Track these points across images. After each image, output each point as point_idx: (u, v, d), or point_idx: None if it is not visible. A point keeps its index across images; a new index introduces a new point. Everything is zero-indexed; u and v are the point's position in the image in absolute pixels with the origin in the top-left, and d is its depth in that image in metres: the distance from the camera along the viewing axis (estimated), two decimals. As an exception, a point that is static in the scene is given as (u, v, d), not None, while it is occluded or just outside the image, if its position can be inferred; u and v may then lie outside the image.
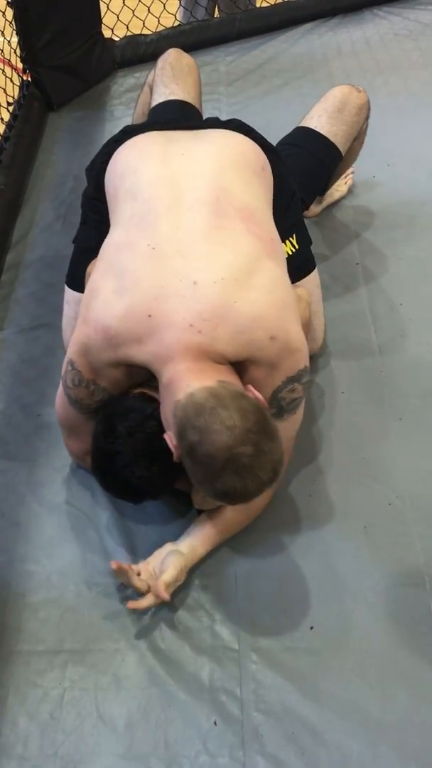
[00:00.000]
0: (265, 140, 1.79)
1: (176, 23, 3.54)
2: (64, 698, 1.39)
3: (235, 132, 1.73)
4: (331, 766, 1.30)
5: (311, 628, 1.48)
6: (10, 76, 2.89)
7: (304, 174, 1.97)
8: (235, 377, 1.39)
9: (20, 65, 3.03)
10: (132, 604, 1.45)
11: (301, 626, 1.48)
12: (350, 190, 2.52)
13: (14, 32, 2.90)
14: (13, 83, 2.93)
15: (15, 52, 2.97)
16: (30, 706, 1.39)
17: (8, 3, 2.84)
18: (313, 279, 1.88)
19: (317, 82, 3.10)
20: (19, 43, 2.95)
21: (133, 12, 3.40)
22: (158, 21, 3.46)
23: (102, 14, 3.19)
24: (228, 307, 1.38)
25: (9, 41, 2.86)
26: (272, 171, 1.73)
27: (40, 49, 2.93)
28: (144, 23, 3.42)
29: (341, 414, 1.86)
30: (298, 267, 1.81)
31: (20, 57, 2.99)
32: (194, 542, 1.53)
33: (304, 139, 2.03)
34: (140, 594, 1.45)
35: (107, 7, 3.28)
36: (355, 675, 1.41)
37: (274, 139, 1.89)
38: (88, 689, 1.41)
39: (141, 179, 1.59)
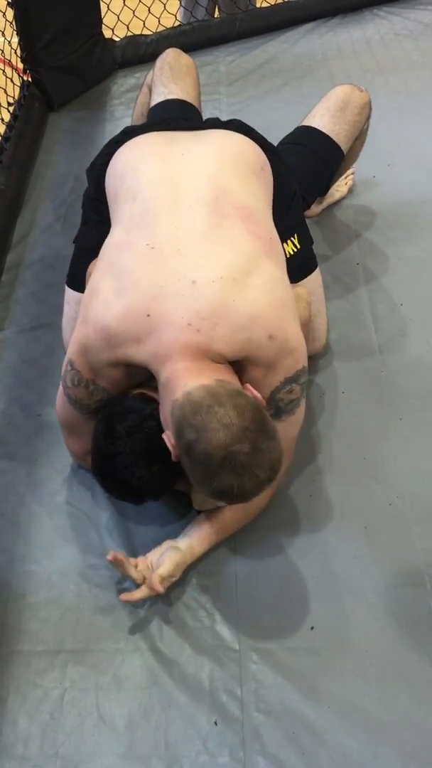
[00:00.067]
0: (265, 140, 1.79)
1: (176, 23, 3.54)
2: (64, 698, 1.40)
3: (234, 132, 1.73)
4: (331, 766, 1.30)
5: (312, 628, 1.48)
6: (10, 77, 2.90)
7: (306, 173, 1.97)
8: (234, 376, 1.39)
9: (21, 65, 3.03)
10: (125, 596, 1.46)
11: (301, 626, 1.48)
12: (350, 190, 2.52)
13: (15, 32, 2.90)
14: (14, 83, 2.93)
15: (15, 53, 2.97)
16: (30, 707, 1.39)
17: (8, 3, 2.84)
18: (315, 278, 1.88)
19: (318, 82, 3.10)
20: (19, 43, 2.95)
21: (134, 12, 3.40)
22: (158, 21, 3.46)
23: (102, 14, 3.19)
24: (226, 306, 1.38)
25: (9, 41, 2.86)
26: (272, 171, 1.73)
27: (40, 49, 2.93)
28: (144, 23, 3.42)
29: (341, 414, 1.86)
30: (300, 266, 1.81)
31: (21, 57, 2.99)
32: (192, 540, 1.53)
33: (307, 138, 2.03)
34: (136, 585, 1.45)
35: (107, 7, 3.28)
36: (356, 675, 1.41)
37: (274, 139, 1.89)
38: (89, 689, 1.41)
39: (141, 179, 1.59)
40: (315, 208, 2.38)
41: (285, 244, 1.74)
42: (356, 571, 1.56)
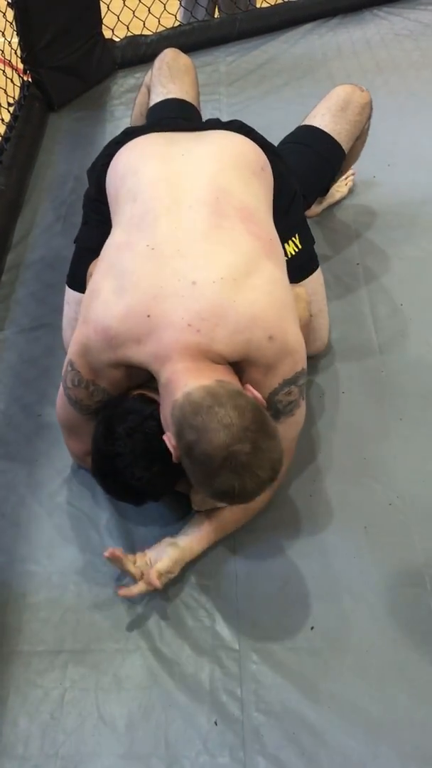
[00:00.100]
0: (266, 140, 1.79)
1: (176, 24, 3.54)
2: (64, 698, 1.40)
3: (235, 133, 1.73)
4: (331, 766, 1.30)
5: (312, 628, 1.48)
6: (10, 77, 2.90)
7: (308, 172, 1.97)
8: (234, 377, 1.40)
9: (21, 66, 3.03)
10: (123, 591, 1.46)
11: (301, 626, 1.48)
12: (351, 191, 2.52)
13: (15, 33, 2.90)
14: (14, 84, 2.93)
15: (15, 53, 2.97)
16: (31, 707, 1.39)
17: (9, 4, 2.84)
18: (317, 278, 1.88)
19: (318, 82, 3.10)
20: (19, 43, 2.95)
21: (134, 12, 3.41)
22: (158, 21, 3.46)
23: (102, 15, 3.19)
24: (227, 306, 1.38)
25: (10, 42, 2.86)
26: (273, 171, 1.73)
27: (40, 49, 2.93)
28: (144, 24, 3.42)
29: (342, 414, 1.86)
30: (302, 266, 1.81)
31: (21, 58, 2.99)
32: (191, 538, 1.53)
33: (308, 137, 2.03)
34: (134, 581, 1.46)
35: (107, 7, 3.28)
36: (356, 675, 1.41)
37: (274, 140, 1.89)
38: (89, 689, 1.41)
39: (141, 180, 1.59)
40: (315, 208, 2.38)
41: (286, 244, 1.74)
42: (356, 571, 1.56)
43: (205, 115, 2.21)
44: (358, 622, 1.48)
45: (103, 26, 3.20)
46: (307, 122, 2.07)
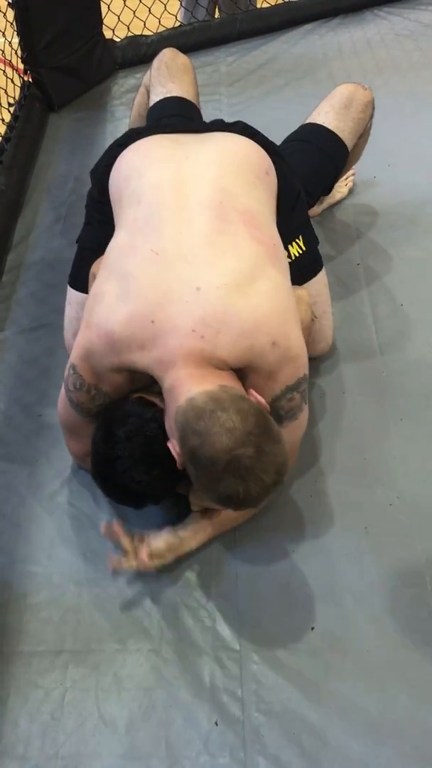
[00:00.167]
0: (270, 142, 1.79)
1: (177, 24, 3.54)
2: (65, 699, 1.40)
3: (239, 135, 1.73)
4: (332, 766, 1.30)
5: (312, 628, 1.48)
6: (11, 77, 2.90)
7: (312, 170, 1.98)
8: (237, 382, 1.39)
9: (21, 66, 3.03)
10: (114, 562, 1.47)
11: (302, 627, 1.48)
12: (351, 191, 2.52)
13: (15, 33, 2.91)
14: (14, 84, 2.93)
15: (16, 53, 2.97)
16: (31, 707, 1.39)
17: (9, 4, 2.84)
18: (321, 279, 1.88)
19: (318, 83, 3.10)
20: (20, 44, 2.95)
21: (134, 13, 3.41)
22: (159, 22, 3.46)
23: (103, 15, 3.19)
24: (230, 312, 1.38)
25: (10, 42, 2.86)
26: (277, 173, 1.72)
27: (41, 50, 2.94)
28: (145, 24, 3.42)
29: (342, 415, 1.86)
30: (305, 268, 1.81)
31: (21, 58, 2.99)
32: (188, 531, 1.54)
33: (312, 135, 2.03)
34: (126, 555, 1.48)
35: (108, 7, 3.28)
36: (356, 675, 1.41)
37: (275, 140, 1.89)
38: (89, 690, 1.41)
39: (145, 183, 1.59)
40: (316, 209, 2.38)
41: (290, 246, 1.74)
42: (357, 571, 1.56)
43: (206, 116, 2.21)
44: (358, 622, 1.48)
45: (103, 26, 3.20)
46: (310, 120, 2.07)
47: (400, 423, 1.83)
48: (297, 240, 1.78)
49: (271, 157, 1.73)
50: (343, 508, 1.67)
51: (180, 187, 1.54)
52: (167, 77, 2.17)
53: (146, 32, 3.40)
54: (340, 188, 2.47)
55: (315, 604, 1.51)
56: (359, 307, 2.14)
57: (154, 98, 2.16)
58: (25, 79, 3.05)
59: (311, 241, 1.84)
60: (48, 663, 1.44)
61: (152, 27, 3.44)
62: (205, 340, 1.37)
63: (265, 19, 3.54)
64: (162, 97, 2.14)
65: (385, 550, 1.59)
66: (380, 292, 2.18)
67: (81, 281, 1.80)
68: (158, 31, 3.42)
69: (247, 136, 1.73)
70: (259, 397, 1.37)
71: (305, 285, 1.81)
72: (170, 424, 1.36)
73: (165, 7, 3.50)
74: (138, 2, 3.44)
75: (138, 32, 3.38)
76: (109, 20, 3.28)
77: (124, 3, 3.37)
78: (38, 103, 3.02)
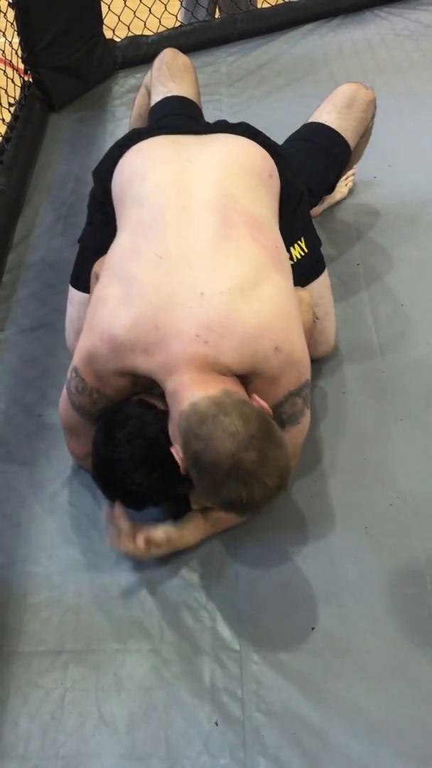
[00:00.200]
0: (274, 144, 1.78)
1: (177, 24, 3.54)
2: (65, 699, 1.40)
3: (242, 137, 1.72)
4: (332, 767, 1.30)
5: (312, 628, 1.48)
6: (11, 77, 2.90)
7: (316, 169, 1.98)
8: (240, 387, 1.39)
9: (21, 66, 3.03)
10: (112, 538, 1.48)
11: (302, 627, 1.48)
12: (351, 191, 2.52)
13: (15, 33, 2.91)
14: (15, 84, 2.93)
15: (16, 53, 2.97)
16: (31, 707, 1.39)
17: (9, 4, 2.84)
18: (323, 281, 1.87)
19: (318, 83, 3.10)
20: (20, 44, 2.95)
21: (134, 13, 3.41)
22: (159, 22, 3.46)
23: (103, 15, 3.19)
24: (234, 317, 1.38)
25: (10, 42, 2.86)
26: (280, 175, 1.72)
27: (41, 50, 2.94)
28: (145, 24, 3.42)
29: (342, 415, 1.86)
30: (308, 270, 1.80)
31: (21, 58, 2.99)
32: (187, 529, 1.53)
33: (316, 134, 2.03)
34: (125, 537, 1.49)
35: (108, 7, 3.28)
36: (356, 675, 1.41)
37: (276, 140, 1.88)
38: (90, 690, 1.41)
39: (148, 185, 1.59)
40: (316, 209, 2.37)
41: (291, 248, 1.73)
42: (357, 571, 1.56)
43: (206, 116, 2.21)
44: (358, 622, 1.48)
45: (103, 26, 3.20)
46: (313, 119, 2.07)
47: (400, 423, 1.83)
48: (299, 242, 1.78)
49: (274, 159, 1.73)
50: (343, 508, 1.67)
51: (183, 189, 1.54)
52: (168, 77, 2.17)
53: (146, 32, 3.40)
54: (340, 188, 2.47)
55: (315, 604, 1.51)
56: (359, 307, 2.14)
57: (155, 98, 2.16)
58: (26, 79, 3.05)
59: (313, 243, 1.83)
60: (48, 663, 1.44)
61: (153, 27, 3.44)
62: (209, 345, 1.36)
63: (266, 19, 3.54)
64: (163, 97, 2.14)
65: (385, 550, 1.59)
66: (380, 292, 2.18)
67: (83, 281, 1.80)
68: (158, 31, 3.42)
69: (250, 138, 1.73)
70: (262, 402, 1.37)
71: (307, 287, 1.80)
72: (173, 429, 1.36)
73: (165, 7, 3.50)
74: (138, 2, 3.44)
75: (138, 32, 3.38)
76: (109, 20, 3.28)
77: (125, 3, 3.37)
78: (39, 103, 3.02)
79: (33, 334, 2.11)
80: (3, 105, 2.80)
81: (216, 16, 3.60)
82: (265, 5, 3.64)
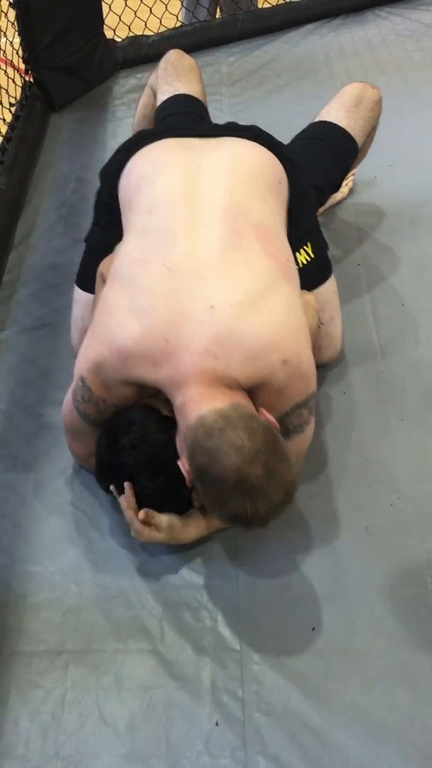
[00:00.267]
0: (284, 148, 1.78)
1: (178, 24, 3.54)
2: (65, 699, 1.40)
3: (251, 141, 1.71)
4: (332, 767, 1.30)
5: (313, 628, 1.48)
6: (12, 77, 2.90)
7: (325, 168, 1.99)
8: (248, 401, 1.39)
9: (22, 66, 3.03)
10: (122, 501, 1.46)
11: (302, 627, 1.48)
12: (351, 191, 2.52)
13: (16, 33, 2.91)
14: (16, 84, 2.94)
15: (17, 53, 2.97)
16: (31, 707, 1.39)
17: (10, 4, 2.85)
18: (330, 286, 1.86)
19: (319, 83, 3.11)
20: (21, 44, 2.95)
21: (135, 13, 3.41)
22: (160, 22, 3.47)
23: (104, 15, 3.19)
24: (243, 331, 1.37)
25: (11, 42, 2.87)
26: (289, 180, 1.71)
27: (42, 50, 2.94)
28: (146, 24, 3.42)
29: (343, 415, 1.86)
30: (314, 275, 1.79)
31: (22, 58, 3.00)
32: (189, 525, 1.53)
33: (326, 133, 2.03)
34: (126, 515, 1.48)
35: (109, 7, 3.28)
36: (357, 675, 1.41)
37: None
38: (90, 690, 1.41)
39: (156, 191, 1.58)
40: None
41: (297, 253, 1.71)
42: (357, 571, 1.56)
43: (207, 116, 2.21)
44: (359, 622, 1.48)
45: (104, 26, 3.20)
46: (321, 118, 2.07)
47: (400, 423, 1.83)
48: (305, 247, 1.75)
49: (283, 165, 1.72)
50: (344, 508, 1.67)
51: (192, 197, 1.53)
52: (174, 76, 2.18)
53: (147, 32, 3.40)
54: (341, 188, 2.46)
55: (315, 605, 1.51)
56: (360, 307, 2.14)
57: (162, 97, 2.16)
58: (27, 79, 3.05)
59: (320, 247, 1.81)
60: (48, 663, 1.44)
61: (153, 27, 3.44)
62: (218, 359, 1.36)
63: (267, 19, 3.55)
64: (169, 95, 2.14)
65: (386, 550, 1.59)
66: (381, 292, 2.18)
67: (88, 281, 1.79)
68: (159, 31, 3.43)
69: (260, 143, 1.71)
70: (270, 417, 1.37)
71: (314, 291, 1.78)
72: (180, 442, 1.36)
73: (166, 7, 3.50)
74: (139, 2, 3.44)
75: (139, 32, 3.38)
76: (110, 20, 3.28)
77: (125, 3, 3.37)
78: (39, 103, 3.02)
79: (34, 333, 2.11)
80: (4, 105, 2.80)
81: (217, 16, 3.60)
82: (266, 5, 3.64)
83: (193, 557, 1.58)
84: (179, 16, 3.58)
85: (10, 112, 2.86)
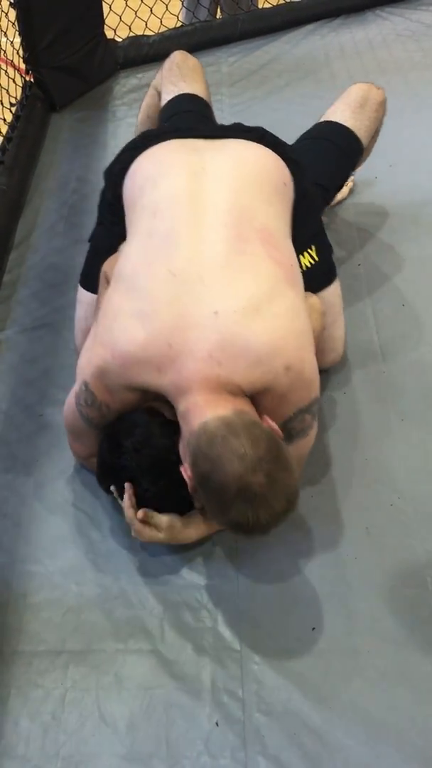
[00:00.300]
0: (289, 149, 1.77)
1: (179, 24, 3.54)
2: (65, 699, 1.40)
3: (257, 144, 1.71)
4: (333, 767, 1.30)
5: (313, 629, 1.48)
6: (12, 77, 2.90)
7: (331, 168, 1.99)
8: (251, 408, 1.39)
9: (23, 66, 3.03)
10: (124, 499, 1.46)
11: (302, 627, 1.48)
12: (351, 192, 2.52)
13: (17, 33, 2.91)
14: (16, 84, 2.93)
15: (18, 53, 2.97)
16: (32, 707, 1.39)
17: (11, 4, 2.84)
18: (334, 290, 1.85)
19: (320, 83, 3.11)
20: (21, 44, 2.95)
21: (136, 13, 3.41)
22: (161, 22, 3.46)
23: (104, 15, 3.19)
24: (247, 338, 1.37)
25: (12, 42, 2.86)
26: (294, 183, 1.71)
27: (42, 50, 2.93)
28: (146, 24, 3.42)
29: (343, 415, 1.86)
30: (318, 278, 1.78)
31: (23, 58, 2.99)
32: (189, 526, 1.53)
33: (332, 133, 2.03)
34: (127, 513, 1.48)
35: (110, 7, 3.28)
36: (357, 675, 1.41)
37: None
38: (90, 689, 1.41)
39: (160, 194, 1.57)
40: (317, 209, 2.38)
41: (301, 256, 1.71)
42: (358, 572, 1.56)
43: (208, 116, 2.21)
44: (359, 622, 1.48)
45: (105, 26, 3.20)
46: (326, 118, 2.07)
47: (400, 423, 1.83)
48: (309, 250, 1.75)
49: (289, 167, 1.71)
50: (344, 509, 1.67)
51: (196, 201, 1.52)
52: (179, 76, 2.18)
53: (148, 32, 3.40)
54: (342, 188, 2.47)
55: (315, 605, 1.51)
56: (360, 307, 2.14)
57: (166, 97, 2.16)
58: (27, 79, 3.05)
59: (324, 251, 1.80)
60: (48, 663, 1.44)
61: (154, 27, 3.44)
62: (222, 365, 1.36)
63: (267, 19, 3.54)
64: (175, 95, 2.15)
65: (386, 550, 1.59)
66: (381, 292, 2.18)
67: (92, 281, 1.78)
68: (160, 31, 3.42)
69: (265, 144, 1.71)
70: (273, 424, 1.36)
71: (318, 295, 1.77)
72: (183, 448, 1.36)
73: (167, 7, 3.50)
74: (140, 2, 3.44)
75: (140, 32, 3.38)
76: (110, 20, 3.28)
77: (126, 3, 3.37)
78: (40, 103, 3.01)
79: (34, 333, 2.11)
80: (4, 105, 2.80)
81: (217, 16, 3.60)
82: (267, 5, 3.64)
83: (193, 557, 1.58)
84: (180, 16, 3.58)
85: (11, 112, 2.85)
